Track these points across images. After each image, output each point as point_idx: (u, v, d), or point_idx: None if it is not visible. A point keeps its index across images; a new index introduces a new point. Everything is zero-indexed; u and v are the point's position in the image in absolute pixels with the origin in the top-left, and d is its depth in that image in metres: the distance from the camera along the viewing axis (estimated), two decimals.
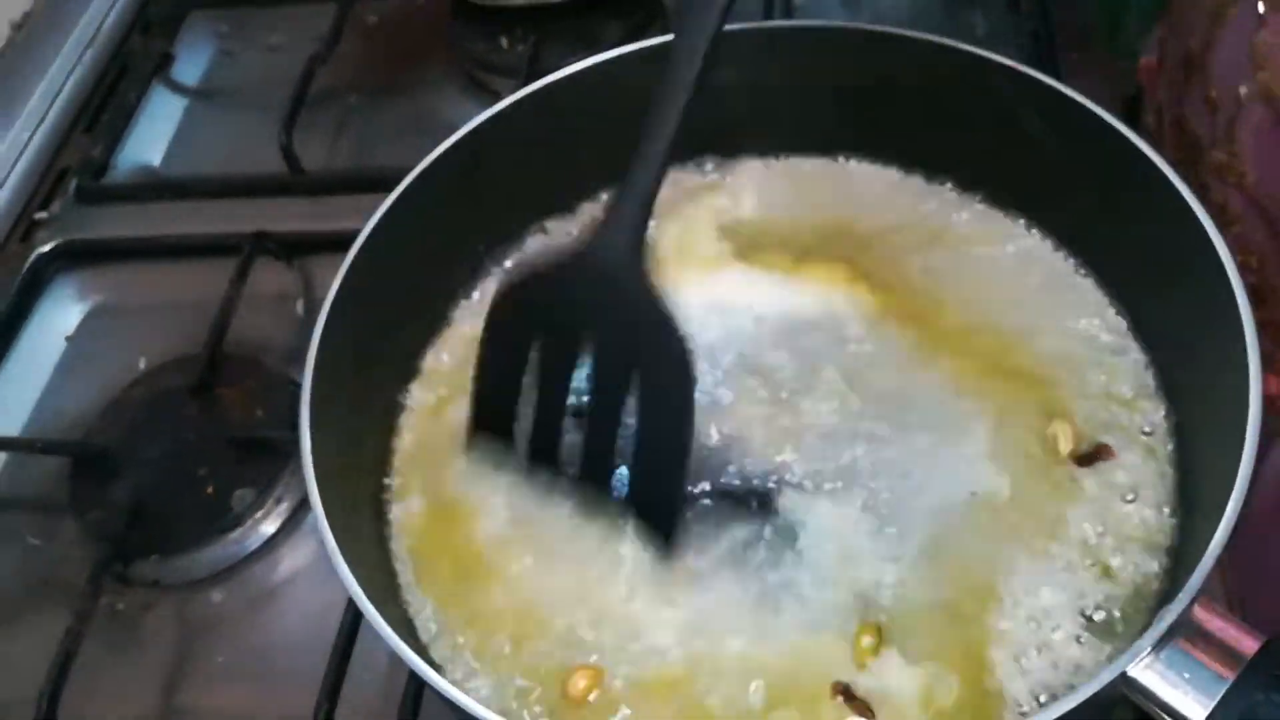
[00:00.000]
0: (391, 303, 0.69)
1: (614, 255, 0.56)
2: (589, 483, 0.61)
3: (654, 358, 0.56)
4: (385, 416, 0.69)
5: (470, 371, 0.67)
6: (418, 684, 0.66)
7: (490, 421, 0.63)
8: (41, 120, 1.06)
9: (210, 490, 0.79)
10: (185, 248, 0.96)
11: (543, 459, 0.62)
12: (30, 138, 1.05)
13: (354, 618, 0.69)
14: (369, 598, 0.53)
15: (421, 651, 0.60)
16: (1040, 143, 0.67)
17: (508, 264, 0.75)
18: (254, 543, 0.78)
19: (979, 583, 0.57)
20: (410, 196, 0.68)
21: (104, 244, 0.98)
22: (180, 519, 0.79)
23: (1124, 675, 0.47)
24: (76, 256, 0.98)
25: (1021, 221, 0.72)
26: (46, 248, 0.98)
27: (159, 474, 0.81)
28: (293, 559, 0.78)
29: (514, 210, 0.75)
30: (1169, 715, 0.47)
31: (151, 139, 1.07)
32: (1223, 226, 0.60)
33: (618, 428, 0.58)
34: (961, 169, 0.73)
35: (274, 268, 0.93)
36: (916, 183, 0.75)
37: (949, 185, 0.74)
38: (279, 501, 0.79)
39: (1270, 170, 0.62)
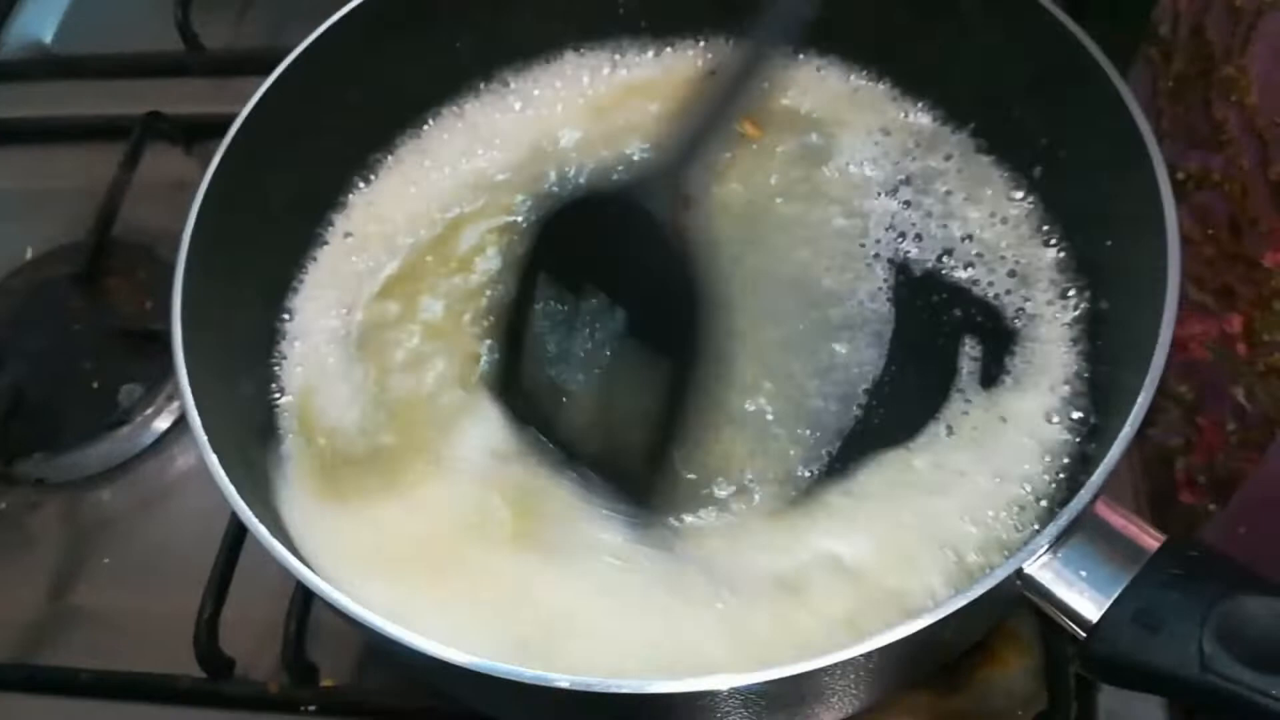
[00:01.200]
0: (278, 188, 0.65)
1: (654, 201, 0.55)
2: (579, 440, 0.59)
3: (674, 309, 0.55)
4: (269, 307, 0.65)
5: (359, 257, 0.66)
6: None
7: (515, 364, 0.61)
8: None
9: (96, 385, 0.75)
10: (76, 129, 0.90)
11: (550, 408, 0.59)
12: None
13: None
14: (249, 504, 0.50)
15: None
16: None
17: (404, 151, 0.71)
18: (144, 440, 0.75)
19: None
20: (296, 74, 0.63)
21: None
22: (66, 414, 0.75)
23: (1020, 572, 0.45)
24: None
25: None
26: None
27: (43, 367, 0.77)
28: (186, 457, 0.75)
29: (412, 92, 0.71)
30: (1063, 613, 0.45)
31: (43, 13, 1.00)
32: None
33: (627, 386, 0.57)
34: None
35: (171, 153, 0.88)
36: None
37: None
38: (170, 399, 0.75)
39: (1272, 94, 0.59)
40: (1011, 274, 0.62)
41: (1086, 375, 0.58)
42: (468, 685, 0.51)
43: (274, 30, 0.97)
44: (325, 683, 0.64)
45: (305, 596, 0.63)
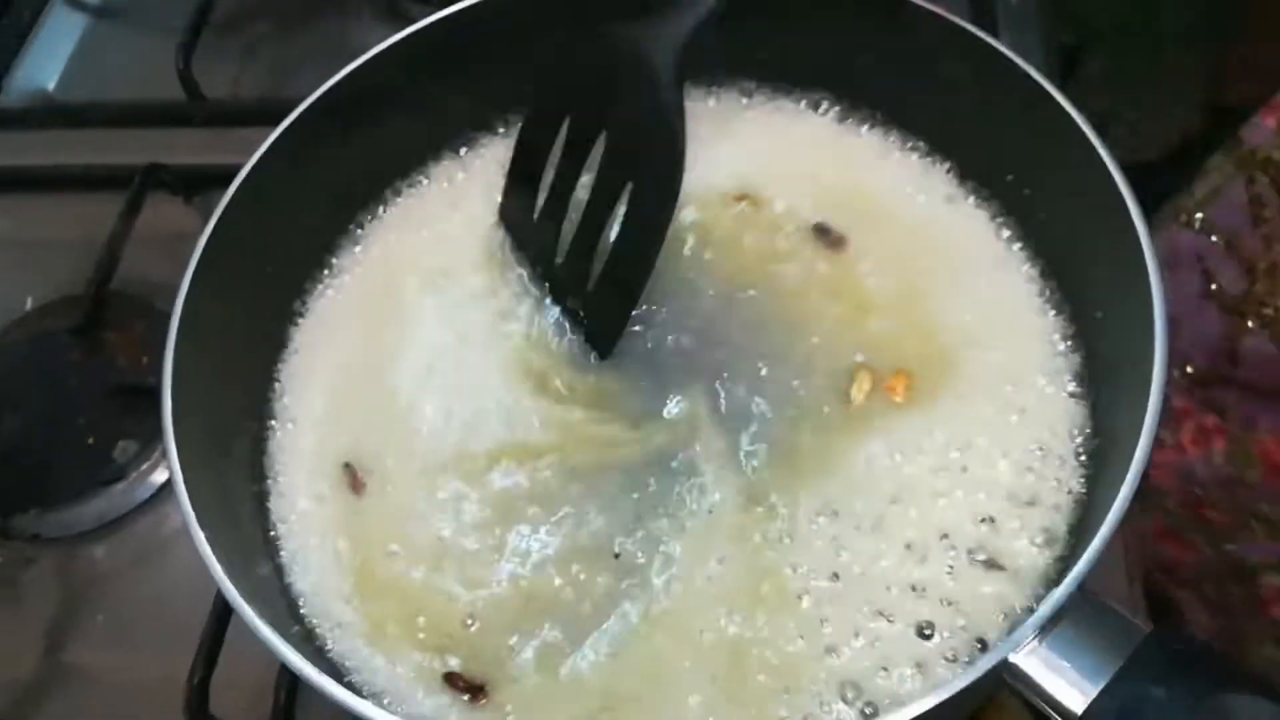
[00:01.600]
0: (276, 243, 0.65)
1: (657, 50, 0.57)
2: (557, 279, 0.63)
3: (652, 154, 0.57)
4: (265, 363, 0.66)
5: (353, 321, 0.66)
6: None
7: (520, 191, 0.65)
8: None
9: (92, 440, 0.76)
10: (77, 179, 0.91)
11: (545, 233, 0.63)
12: None
13: None
14: (236, 585, 0.50)
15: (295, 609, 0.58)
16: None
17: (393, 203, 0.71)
18: (140, 495, 0.75)
19: None
20: (299, 130, 0.64)
21: None
22: (61, 469, 0.75)
23: (1005, 662, 0.45)
24: None
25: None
26: None
27: (39, 421, 0.77)
28: (179, 514, 0.74)
29: (413, 147, 0.71)
30: (1048, 705, 0.45)
31: (47, 61, 1.01)
32: None
33: (604, 225, 0.60)
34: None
35: (173, 204, 0.88)
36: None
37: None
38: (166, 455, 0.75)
39: None
40: None
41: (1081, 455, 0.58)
42: None
43: (275, 81, 0.97)
44: None
45: None
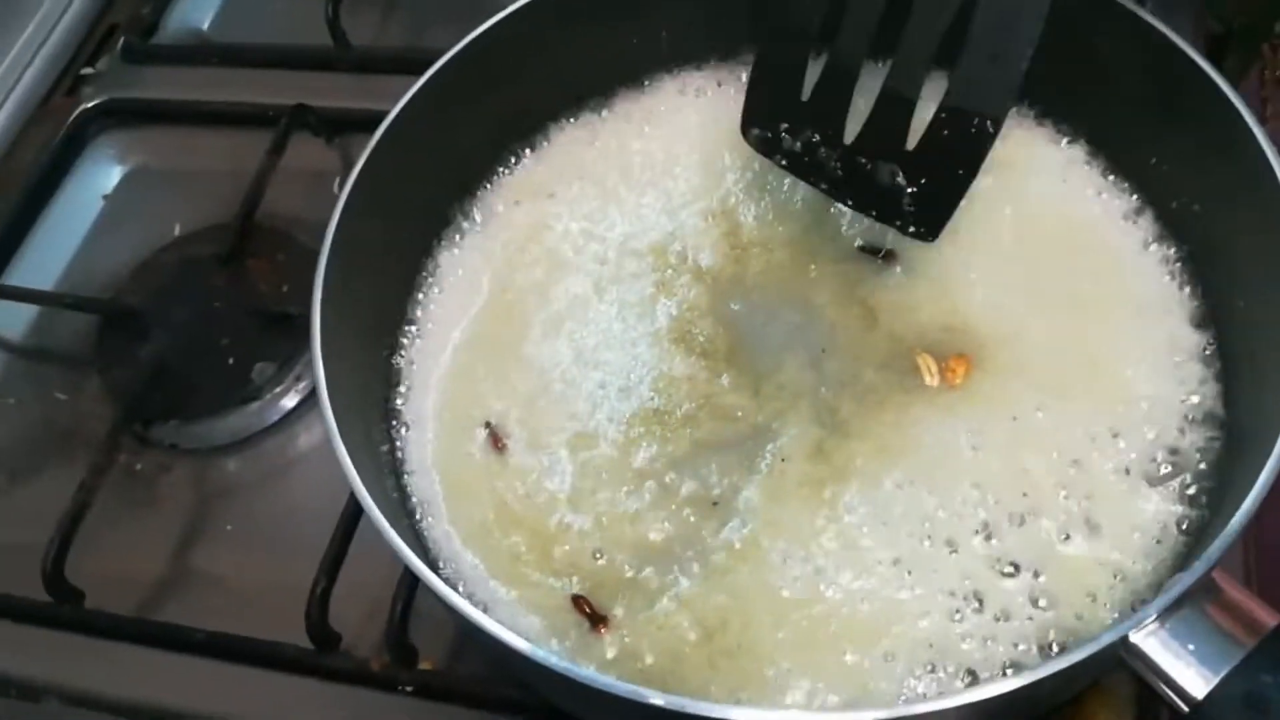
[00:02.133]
0: (419, 185, 0.68)
1: None
2: (846, 166, 0.59)
3: None
4: (403, 298, 0.69)
5: (491, 269, 0.68)
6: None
7: (773, 90, 0.61)
8: None
9: (232, 360, 0.79)
10: (227, 115, 0.95)
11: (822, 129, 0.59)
12: None
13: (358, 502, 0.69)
14: (369, 490, 0.53)
15: (421, 539, 0.61)
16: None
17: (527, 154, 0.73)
18: (272, 416, 0.79)
19: None
20: (442, 79, 0.66)
21: (147, 105, 0.97)
22: (201, 386, 0.79)
23: (1125, 640, 0.45)
24: (120, 115, 0.97)
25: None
26: (91, 104, 0.97)
27: (184, 340, 0.81)
28: (309, 436, 0.78)
29: (550, 97, 0.73)
30: (1168, 687, 0.45)
31: (203, 2, 1.05)
32: None
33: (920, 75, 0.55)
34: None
35: (314, 144, 0.92)
36: None
37: None
38: (299, 379, 0.79)
39: None
40: None
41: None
42: (558, 688, 0.53)
43: (418, 31, 1.00)
44: (424, 664, 0.67)
45: (412, 579, 0.66)
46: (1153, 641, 0.45)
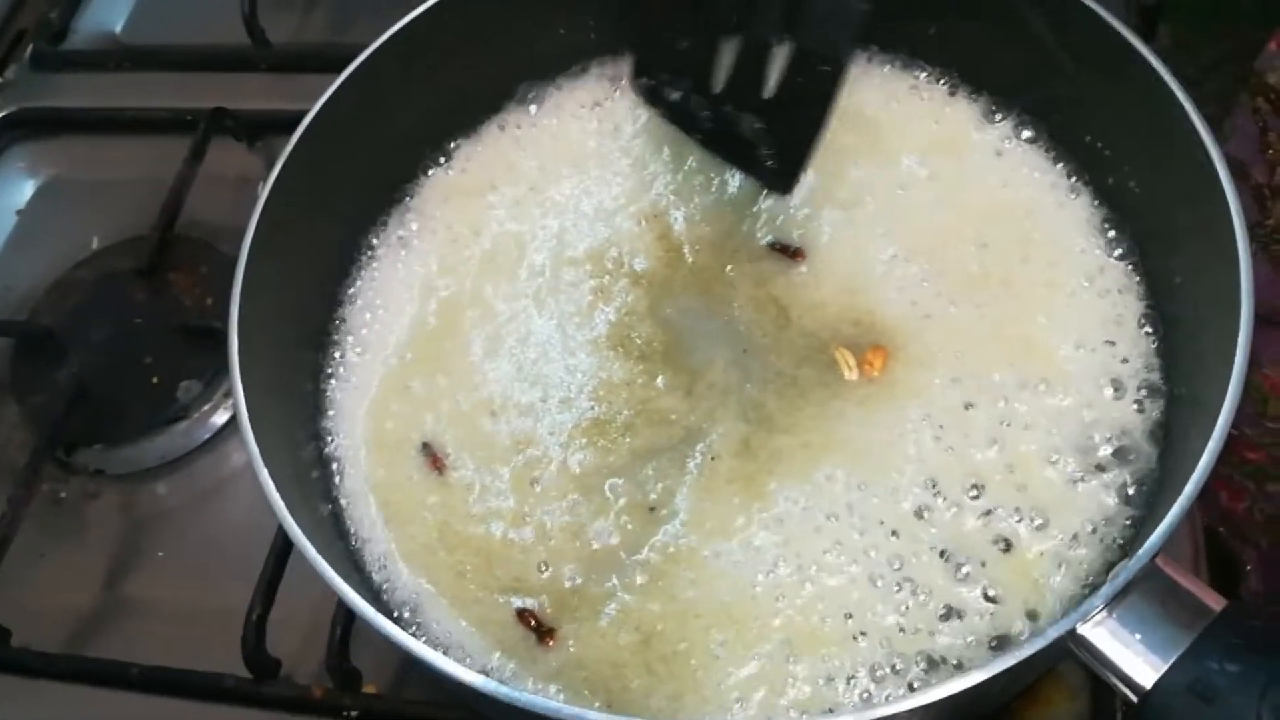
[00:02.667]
0: (342, 188, 0.65)
1: None
2: (728, 112, 0.60)
3: None
4: (328, 309, 0.66)
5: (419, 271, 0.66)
6: None
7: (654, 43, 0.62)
8: None
9: (156, 379, 0.77)
10: (144, 122, 0.91)
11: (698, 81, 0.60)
12: None
13: None
14: (297, 519, 0.51)
15: (359, 563, 0.59)
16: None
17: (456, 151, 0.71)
18: (201, 435, 0.76)
19: None
20: (365, 75, 0.64)
21: (59, 113, 0.94)
22: (125, 407, 0.76)
23: (1073, 632, 0.44)
24: (31, 126, 0.94)
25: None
26: (0, 115, 0.93)
27: (104, 359, 0.78)
28: (240, 454, 0.76)
29: (474, 95, 0.71)
30: (1116, 677, 0.44)
31: (114, 3, 1.01)
32: None
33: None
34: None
35: (235, 148, 0.89)
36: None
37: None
38: (227, 395, 0.76)
39: None
40: None
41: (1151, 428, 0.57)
42: (504, 713, 0.51)
43: (339, 27, 0.97)
44: (367, 688, 0.65)
45: None
46: (1100, 632, 0.45)
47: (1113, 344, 0.59)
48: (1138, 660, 0.44)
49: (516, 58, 0.71)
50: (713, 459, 0.58)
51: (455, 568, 0.58)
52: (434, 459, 0.61)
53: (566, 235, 0.66)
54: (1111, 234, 0.63)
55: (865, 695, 0.52)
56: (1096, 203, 0.64)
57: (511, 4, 0.68)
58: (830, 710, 0.51)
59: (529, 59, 0.71)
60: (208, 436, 0.76)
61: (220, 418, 0.76)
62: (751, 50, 0.59)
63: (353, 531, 0.61)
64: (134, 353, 0.78)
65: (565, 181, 0.69)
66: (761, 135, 0.60)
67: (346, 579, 0.50)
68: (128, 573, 0.73)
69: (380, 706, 0.64)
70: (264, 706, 0.65)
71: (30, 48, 0.97)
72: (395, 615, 0.58)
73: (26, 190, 0.91)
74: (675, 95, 0.63)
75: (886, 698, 0.51)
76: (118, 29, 1.00)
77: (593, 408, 0.60)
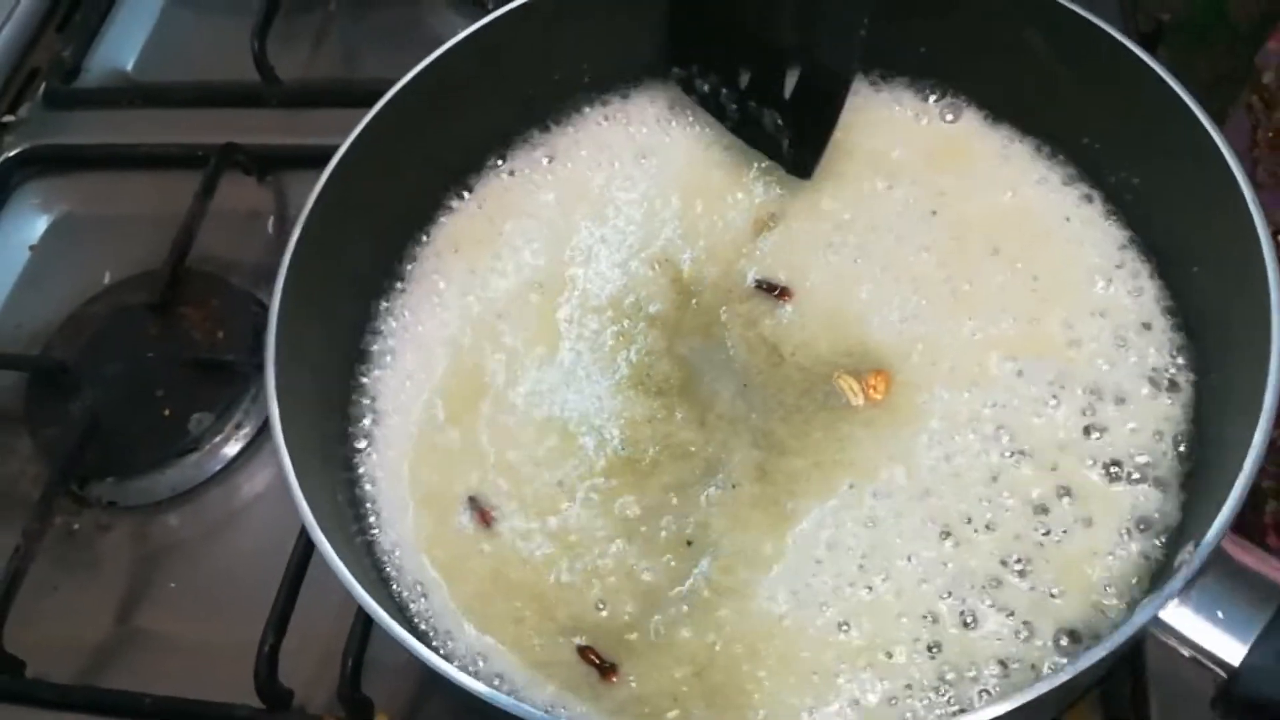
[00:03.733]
0: (366, 222, 0.66)
1: None
2: (752, 107, 0.66)
3: None
4: (355, 339, 0.67)
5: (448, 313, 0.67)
6: (366, 617, 0.64)
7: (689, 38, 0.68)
8: (9, 16, 1.01)
9: (168, 412, 0.77)
10: (155, 158, 0.93)
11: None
12: None
13: (305, 547, 0.67)
14: (320, 524, 0.52)
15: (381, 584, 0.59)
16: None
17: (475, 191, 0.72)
18: (213, 467, 0.77)
19: None
20: (388, 115, 0.64)
21: (73, 151, 0.95)
22: (137, 440, 0.77)
23: (1156, 619, 0.45)
24: (44, 163, 0.95)
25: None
26: (13, 152, 0.95)
27: (117, 393, 0.79)
28: (251, 485, 0.76)
29: (491, 131, 0.72)
30: (1205, 657, 0.45)
31: (125, 41, 1.03)
32: None
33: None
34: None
35: (245, 183, 0.90)
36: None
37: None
38: (239, 427, 0.77)
39: None
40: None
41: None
42: None
43: (348, 63, 0.99)
44: (380, 718, 0.65)
45: (364, 629, 0.64)
46: (1182, 614, 0.46)
47: (1129, 342, 0.60)
48: (1224, 637, 0.45)
49: (524, 104, 0.71)
50: (733, 486, 0.59)
51: (513, 615, 0.58)
52: (482, 514, 0.60)
53: (589, 284, 0.67)
54: (1118, 230, 0.64)
55: (929, 704, 0.52)
56: (1105, 205, 0.65)
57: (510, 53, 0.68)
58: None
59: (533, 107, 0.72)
60: (219, 468, 0.77)
61: (231, 449, 0.77)
62: (771, 54, 0.65)
63: (407, 592, 0.60)
64: (146, 386, 0.79)
65: (583, 231, 0.69)
66: (782, 130, 0.66)
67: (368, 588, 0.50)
68: (140, 604, 0.73)
69: None
70: None
71: (43, 86, 0.98)
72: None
73: (39, 226, 0.92)
74: (705, 87, 0.69)
75: (957, 710, 0.51)
76: (129, 67, 1.01)
77: (624, 448, 0.61)
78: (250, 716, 0.65)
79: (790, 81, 0.65)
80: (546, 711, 0.51)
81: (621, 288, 0.67)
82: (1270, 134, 0.71)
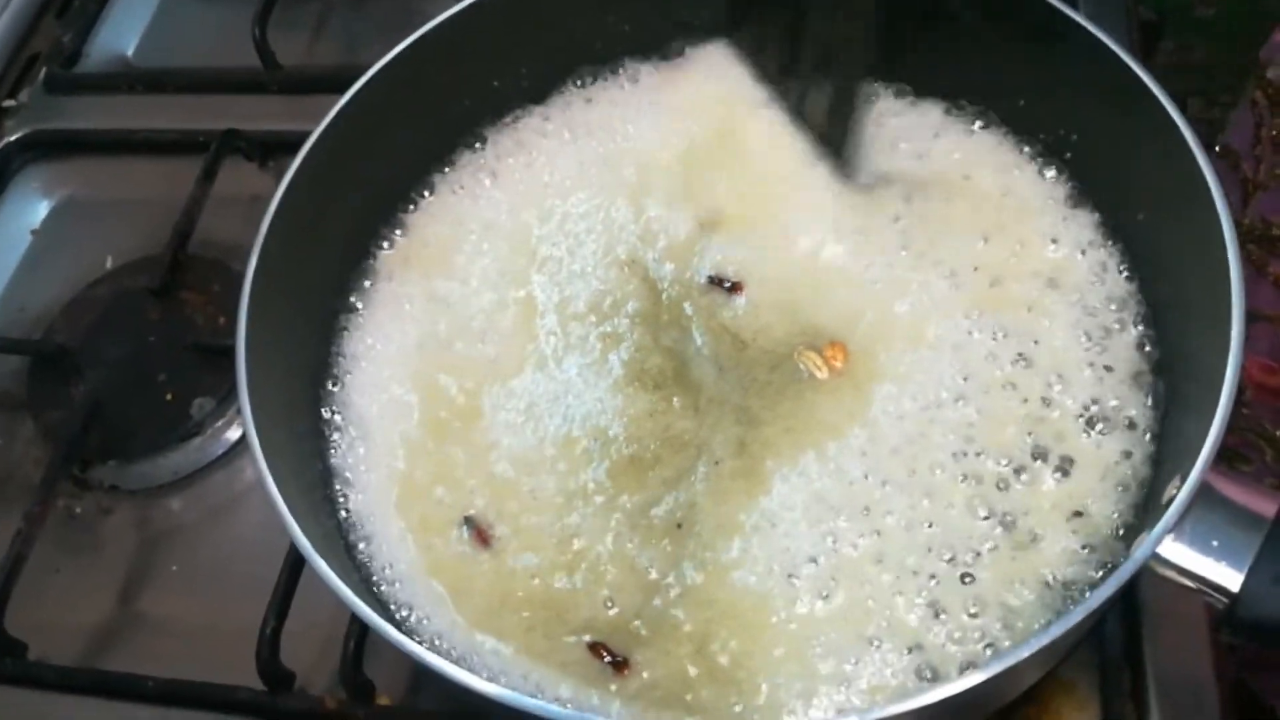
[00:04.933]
0: (345, 206, 0.66)
1: None
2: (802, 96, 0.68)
3: None
4: (331, 321, 0.66)
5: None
6: None
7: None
8: (10, 2, 1.01)
9: (170, 396, 0.78)
10: (156, 143, 0.93)
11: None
12: None
13: None
14: (300, 526, 0.52)
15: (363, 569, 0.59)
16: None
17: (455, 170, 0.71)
18: (214, 451, 0.77)
19: None
20: (364, 97, 0.64)
21: (73, 135, 0.95)
22: (139, 424, 0.77)
23: (1156, 555, 0.47)
24: (45, 147, 0.95)
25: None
26: (14, 137, 0.95)
27: (119, 377, 0.79)
28: (253, 469, 0.76)
29: (474, 112, 0.71)
30: (1206, 586, 0.47)
31: (126, 26, 1.03)
32: None
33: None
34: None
35: (247, 168, 0.90)
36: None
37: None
38: (240, 412, 0.77)
39: None
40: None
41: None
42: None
43: (349, 48, 0.98)
44: (381, 700, 0.66)
45: None
46: (1179, 548, 0.47)
47: (1080, 291, 0.61)
48: (1220, 566, 0.47)
49: (509, 85, 0.71)
50: (716, 463, 0.60)
51: (525, 625, 0.57)
52: (480, 534, 0.60)
53: (566, 291, 0.67)
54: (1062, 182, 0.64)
55: (927, 671, 0.53)
56: (1046, 161, 0.65)
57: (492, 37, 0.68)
58: (928, 676, 0.53)
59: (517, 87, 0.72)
60: (221, 452, 0.77)
61: (233, 434, 0.77)
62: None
63: (406, 615, 0.58)
64: (148, 370, 0.79)
65: (545, 242, 0.69)
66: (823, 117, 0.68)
67: (353, 586, 0.51)
68: (142, 587, 0.73)
69: (394, 718, 0.65)
70: (278, 718, 0.66)
71: (44, 71, 0.98)
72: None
73: (41, 211, 0.93)
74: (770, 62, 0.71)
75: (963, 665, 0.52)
76: (129, 52, 1.01)
77: (628, 446, 0.61)
78: (252, 698, 0.65)
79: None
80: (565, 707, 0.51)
81: (598, 291, 0.67)
82: (1274, 133, 0.71)
